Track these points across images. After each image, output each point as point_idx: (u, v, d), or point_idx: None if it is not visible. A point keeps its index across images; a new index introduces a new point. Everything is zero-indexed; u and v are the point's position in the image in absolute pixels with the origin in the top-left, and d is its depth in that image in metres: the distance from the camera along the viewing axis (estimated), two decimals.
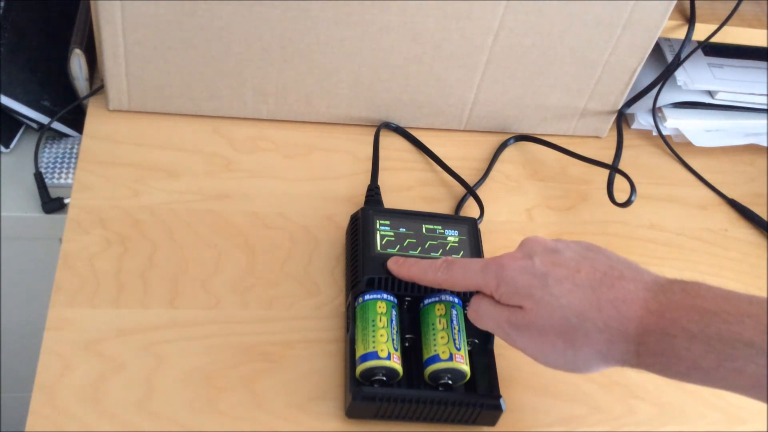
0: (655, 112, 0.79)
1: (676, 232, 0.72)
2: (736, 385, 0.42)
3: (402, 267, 0.53)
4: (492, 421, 0.52)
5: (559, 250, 0.48)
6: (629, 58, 0.70)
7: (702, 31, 0.71)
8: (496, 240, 0.66)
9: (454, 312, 0.54)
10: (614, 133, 0.78)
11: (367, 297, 0.54)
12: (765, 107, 0.79)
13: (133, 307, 0.55)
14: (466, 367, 0.52)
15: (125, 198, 0.62)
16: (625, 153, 0.77)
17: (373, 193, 0.66)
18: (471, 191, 0.69)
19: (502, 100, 0.73)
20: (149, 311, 0.55)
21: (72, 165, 0.77)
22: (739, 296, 0.43)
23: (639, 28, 0.68)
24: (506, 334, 0.48)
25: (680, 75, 0.77)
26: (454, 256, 0.57)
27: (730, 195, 0.76)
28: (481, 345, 0.55)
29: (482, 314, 0.49)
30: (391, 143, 0.73)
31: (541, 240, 0.49)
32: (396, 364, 0.51)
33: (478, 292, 0.50)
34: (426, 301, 0.55)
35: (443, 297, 0.55)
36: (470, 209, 0.68)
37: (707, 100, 0.78)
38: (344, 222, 0.63)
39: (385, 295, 0.54)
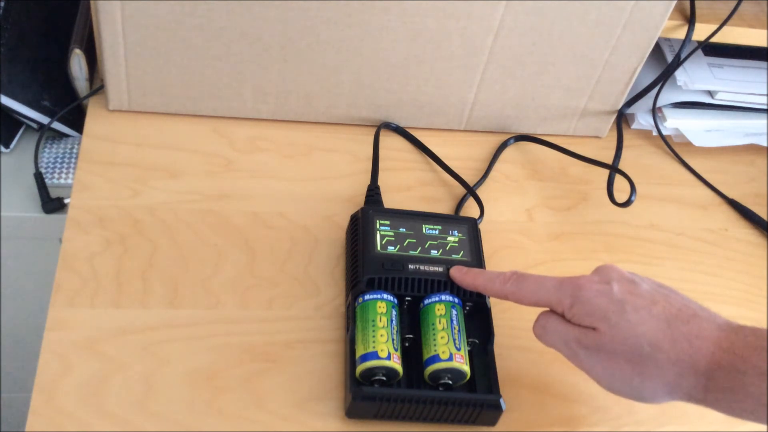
0: (655, 112, 0.79)
1: (676, 232, 0.72)
2: None
3: (467, 276, 0.54)
4: (492, 421, 0.52)
5: (635, 281, 0.49)
6: (629, 58, 0.70)
7: (702, 31, 0.71)
8: (496, 240, 0.66)
9: (454, 312, 0.54)
10: (614, 133, 0.78)
11: (367, 297, 0.54)
12: (765, 107, 0.79)
13: (133, 307, 0.55)
14: (466, 367, 0.52)
15: (125, 198, 0.62)
16: (625, 153, 0.77)
17: (373, 193, 0.66)
18: (471, 191, 0.69)
19: (502, 100, 0.73)
20: (149, 311, 0.55)
21: (72, 165, 0.77)
22: None
23: (639, 28, 0.68)
24: (573, 352, 0.49)
25: (680, 75, 0.77)
26: (454, 256, 0.57)
27: (730, 195, 0.76)
28: (481, 345, 0.55)
29: (550, 331, 0.50)
30: (391, 143, 0.73)
31: (618, 268, 0.50)
32: (396, 364, 0.51)
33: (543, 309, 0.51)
34: (426, 301, 0.55)
35: (443, 297, 0.55)
36: (470, 209, 0.68)
37: (707, 100, 0.78)
38: (344, 222, 0.63)
39: (385, 295, 0.54)
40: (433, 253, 0.57)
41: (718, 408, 0.46)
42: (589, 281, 0.49)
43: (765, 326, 0.45)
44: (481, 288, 0.53)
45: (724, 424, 0.57)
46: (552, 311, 0.50)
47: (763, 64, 0.80)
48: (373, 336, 0.51)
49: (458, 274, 0.55)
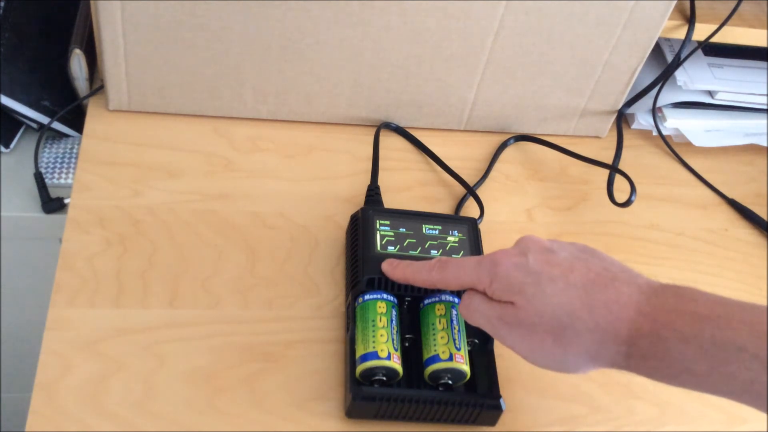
0: (655, 112, 0.79)
1: (676, 232, 0.72)
2: (726, 390, 0.42)
3: (396, 269, 0.53)
4: (492, 421, 0.52)
5: (553, 249, 0.48)
6: (629, 58, 0.70)
7: (702, 31, 0.71)
8: (496, 240, 0.66)
9: (454, 312, 0.54)
10: (614, 133, 0.78)
11: (367, 297, 0.54)
12: (765, 107, 0.79)
13: (133, 307, 0.55)
14: (466, 367, 0.52)
15: (125, 198, 0.62)
16: (625, 153, 0.77)
17: (373, 193, 0.66)
18: (471, 191, 0.69)
19: (502, 100, 0.73)
20: (149, 311, 0.55)
21: (72, 165, 0.77)
22: (732, 302, 0.43)
23: (639, 28, 0.68)
24: (496, 330, 0.48)
25: (680, 75, 0.77)
26: (454, 256, 0.57)
27: (730, 195, 0.76)
28: (481, 345, 0.55)
29: (473, 310, 0.49)
30: (391, 143, 0.73)
31: (537, 239, 0.49)
32: (396, 364, 0.51)
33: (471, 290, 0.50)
34: (426, 301, 0.55)
35: (443, 297, 0.55)
36: (470, 209, 0.68)
37: (707, 100, 0.78)
38: (344, 222, 0.63)
39: (385, 295, 0.54)
40: (433, 253, 0.57)
41: (643, 374, 0.45)
42: (506, 255, 0.48)
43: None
44: (411, 279, 0.52)
45: (724, 424, 0.57)
46: (476, 290, 0.49)
47: (763, 64, 0.80)
48: (373, 336, 0.51)
49: (389, 268, 0.54)
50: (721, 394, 0.43)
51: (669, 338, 0.42)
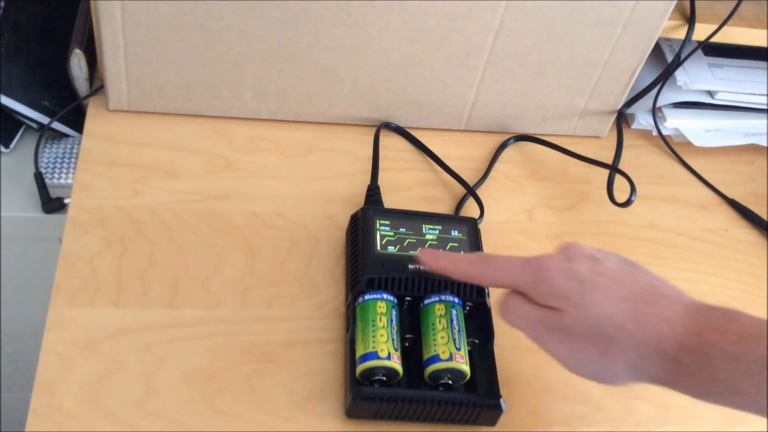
0: (655, 112, 0.79)
1: (676, 232, 0.72)
2: None
3: (433, 258, 0.52)
4: (492, 421, 0.52)
5: (600, 259, 0.48)
6: (629, 58, 0.70)
7: (702, 31, 0.71)
8: (496, 240, 0.66)
9: (454, 312, 0.54)
10: (614, 133, 0.78)
11: (367, 297, 0.54)
12: (765, 107, 0.79)
13: (133, 307, 0.55)
14: (466, 367, 0.52)
15: (125, 198, 0.62)
16: (625, 153, 0.77)
17: (373, 193, 0.66)
18: (471, 191, 0.69)
19: (502, 100, 0.73)
20: (149, 311, 0.55)
21: (72, 165, 0.77)
22: None
23: (639, 28, 0.68)
24: (537, 335, 0.48)
25: (680, 75, 0.77)
26: None
27: (730, 195, 0.76)
28: (481, 345, 0.55)
29: (514, 312, 0.49)
30: (391, 143, 0.73)
31: (582, 246, 0.49)
32: (396, 364, 0.51)
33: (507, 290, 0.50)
34: (426, 301, 0.55)
35: (443, 297, 0.55)
36: (470, 209, 0.68)
37: (707, 100, 0.78)
38: (344, 222, 0.63)
39: (385, 295, 0.54)
40: None
41: (687, 391, 0.44)
42: (552, 260, 0.47)
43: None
44: (448, 271, 0.52)
45: (724, 424, 0.57)
46: (517, 292, 0.49)
47: (763, 64, 0.80)
48: (373, 336, 0.51)
49: (426, 257, 0.53)
50: (762, 414, 0.43)
51: (715, 356, 0.42)
